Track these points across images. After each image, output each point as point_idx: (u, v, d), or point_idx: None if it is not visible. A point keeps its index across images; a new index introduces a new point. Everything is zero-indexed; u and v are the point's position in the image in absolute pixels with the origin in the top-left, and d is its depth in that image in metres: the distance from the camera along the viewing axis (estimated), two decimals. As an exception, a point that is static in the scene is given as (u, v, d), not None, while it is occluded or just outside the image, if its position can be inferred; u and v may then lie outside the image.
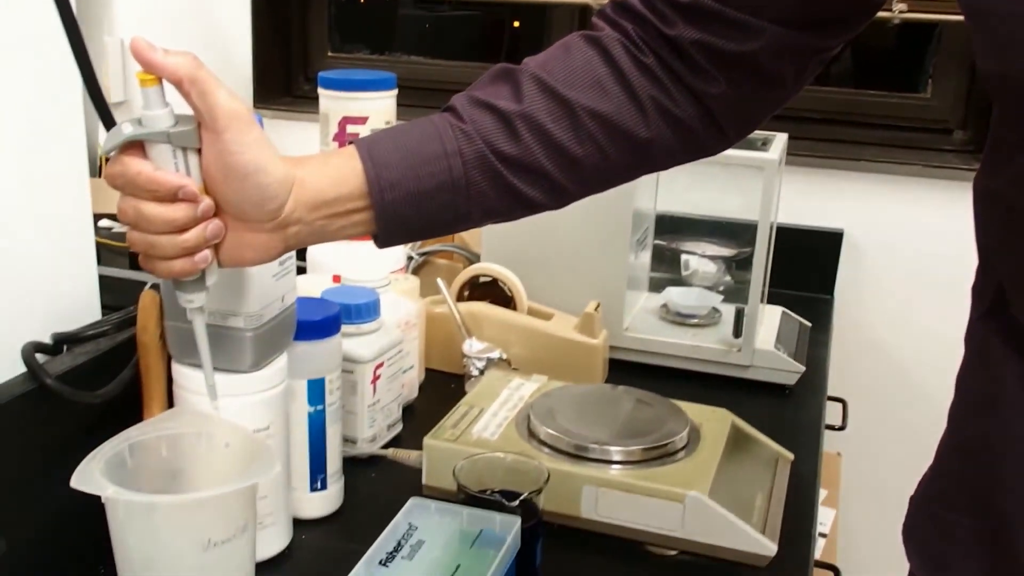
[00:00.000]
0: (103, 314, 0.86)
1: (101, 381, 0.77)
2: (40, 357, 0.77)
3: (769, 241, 1.18)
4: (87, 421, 0.77)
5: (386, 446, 1.00)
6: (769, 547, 0.84)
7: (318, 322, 0.84)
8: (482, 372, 1.11)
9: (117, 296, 0.90)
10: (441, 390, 1.14)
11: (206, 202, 0.63)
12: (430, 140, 0.69)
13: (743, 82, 0.71)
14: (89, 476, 0.66)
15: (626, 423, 0.93)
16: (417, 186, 0.68)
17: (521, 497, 0.77)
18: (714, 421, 0.97)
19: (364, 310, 0.96)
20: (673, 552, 0.87)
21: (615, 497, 0.86)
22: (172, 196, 0.62)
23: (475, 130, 0.69)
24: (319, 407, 0.85)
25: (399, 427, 1.03)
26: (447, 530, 0.74)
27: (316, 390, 0.85)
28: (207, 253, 0.65)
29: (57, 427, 0.75)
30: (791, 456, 1.00)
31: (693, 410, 0.97)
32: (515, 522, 0.74)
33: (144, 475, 0.73)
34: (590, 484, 0.86)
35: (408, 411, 1.06)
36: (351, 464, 0.93)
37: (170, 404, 0.80)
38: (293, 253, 0.81)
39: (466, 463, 0.82)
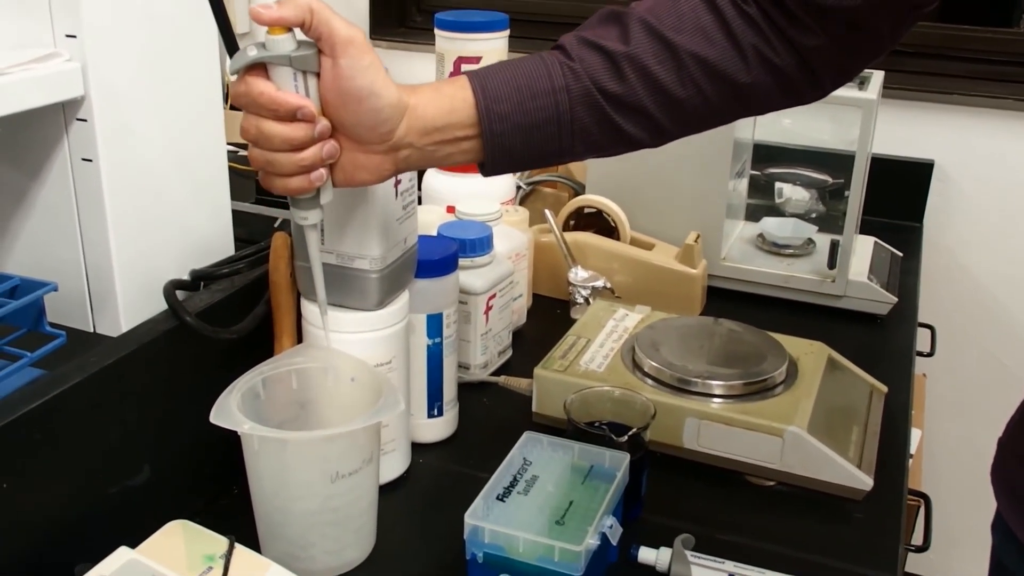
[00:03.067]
0: (235, 248, 0.83)
1: (236, 317, 0.74)
2: (179, 294, 0.74)
3: (864, 176, 1.09)
4: (223, 354, 0.74)
5: (497, 372, 0.96)
6: (866, 481, 0.79)
7: (437, 261, 0.80)
8: (587, 299, 1.06)
9: (248, 230, 0.87)
10: (548, 316, 1.10)
11: (323, 123, 0.61)
12: (539, 76, 0.65)
13: (841, 35, 0.66)
14: (227, 411, 0.64)
15: (727, 357, 0.88)
16: (525, 119, 0.65)
17: (629, 432, 0.73)
18: (811, 354, 0.91)
19: (478, 245, 0.91)
20: (771, 483, 0.82)
21: (716, 429, 0.81)
22: (291, 116, 0.60)
23: (582, 68, 0.66)
24: (437, 340, 0.82)
25: (509, 353, 0.99)
26: (559, 465, 0.71)
27: (434, 324, 0.81)
28: (322, 171, 0.63)
29: (196, 360, 0.72)
30: (885, 388, 0.93)
31: (791, 343, 0.91)
32: (624, 458, 0.70)
33: (276, 406, 0.71)
34: (692, 416, 0.81)
35: (517, 336, 1.02)
36: (464, 389, 0.90)
37: (299, 339, 0.77)
38: (415, 197, 0.76)
39: (576, 397, 0.78)
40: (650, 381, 0.85)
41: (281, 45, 0.59)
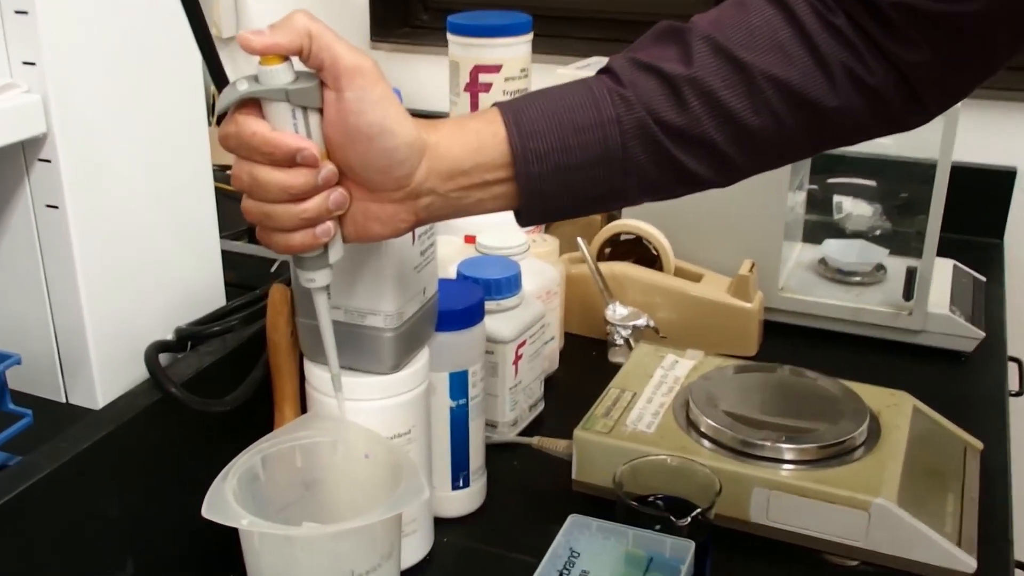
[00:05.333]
0: (227, 296, 0.79)
1: (229, 383, 0.70)
2: (164, 358, 0.69)
3: (945, 190, 1.04)
4: (216, 429, 0.70)
5: (528, 429, 0.91)
6: (968, 563, 0.74)
7: (461, 312, 0.75)
8: (627, 340, 1.01)
9: (241, 273, 0.82)
10: (583, 359, 1.05)
11: (328, 168, 0.56)
12: (584, 106, 0.60)
13: (949, 49, 0.61)
14: (222, 502, 0.60)
15: (797, 412, 0.83)
16: (567, 158, 0.60)
17: (693, 514, 0.68)
18: (893, 406, 0.85)
19: (504, 285, 0.86)
20: (854, 562, 0.76)
21: (789, 501, 0.76)
22: (290, 160, 0.55)
23: (636, 96, 0.61)
24: (462, 401, 0.77)
25: (541, 406, 0.95)
26: (612, 556, 0.66)
27: (459, 383, 0.76)
28: (329, 225, 0.58)
29: (184, 437, 0.68)
30: (980, 445, 0.88)
31: (869, 394, 0.86)
32: (689, 547, 0.65)
33: (277, 487, 0.66)
34: (760, 486, 0.76)
35: (549, 385, 0.97)
36: (491, 451, 0.85)
37: (303, 408, 0.72)
38: (434, 240, 0.71)
39: (626, 468, 0.73)
40: (708, 443, 0.79)
41: (276, 77, 0.54)
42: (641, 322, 1.02)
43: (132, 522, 0.65)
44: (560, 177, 0.60)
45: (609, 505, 0.73)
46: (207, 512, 0.59)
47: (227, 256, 0.80)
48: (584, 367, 1.03)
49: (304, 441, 0.67)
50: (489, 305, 0.84)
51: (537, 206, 0.61)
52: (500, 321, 0.86)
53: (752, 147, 0.62)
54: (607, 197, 0.63)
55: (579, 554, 0.65)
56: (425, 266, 0.70)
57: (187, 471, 0.64)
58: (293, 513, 0.67)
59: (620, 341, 1.02)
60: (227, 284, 0.80)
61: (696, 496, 0.72)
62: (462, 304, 0.75)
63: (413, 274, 0.69)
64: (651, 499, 0.73)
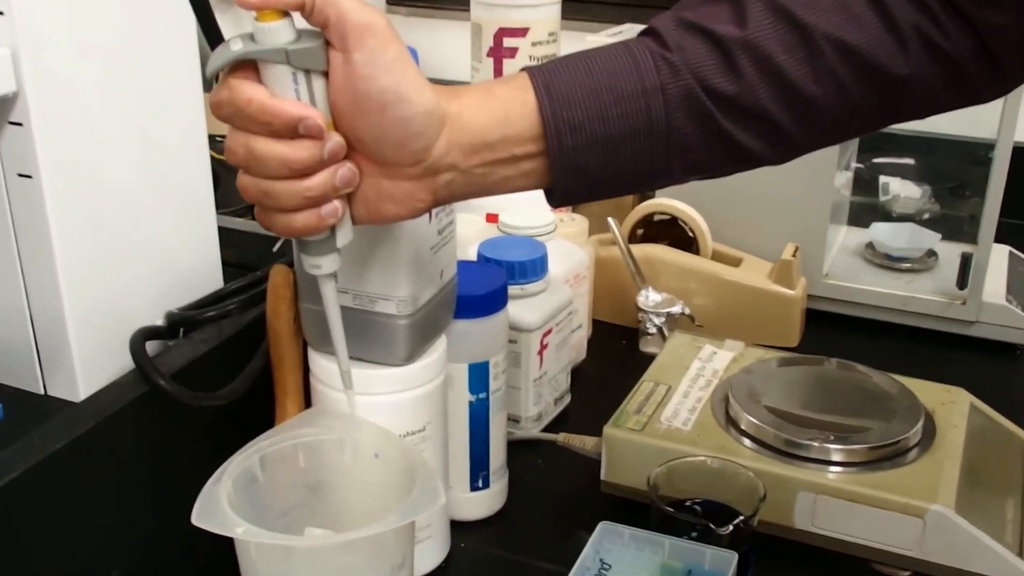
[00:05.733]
0: (225, 278, 0.74)
1: (225, 375, 0.65)
2: (152, 346, 0.65)
3: (1005, 172, 0.98)
4: (210, 425, 0.65)
5: (553, 425, 0.86)
6: (1033, 576, 0.68)
7: (482, 297, 0.70)
8: (660, 329, 0.96)
9: (240, 252, 0.78)
10: (612, 349, 1.00)
11: (334, 140, 0.51)
12: (625, 73, 0.55)
13: None
14: (215, 508, 0.55)
15: (846, 410, 0.77)
16: (605, 130, 0.55)
17: (735, 522, 0.62)
18: (948, 404, 0.80)
19: (530, 268, 0.81)
20: (906, 573, 0.71)
21: (836, 507, 0.70)
22: (291, 130, 0.50)
23: (683, 61, 0.55)
24: (482, 395, 0.72)
25: (567, 399, 0.90)
26: (647, 567, 0.61)
27: (479, 376, 0.71)
28: (336, 205, 0.52)
29: (175, 434, 0.63)
30: (1044, 446, 0.82)
31: (923, 390, 0.80)
32: (731, 560, 0.60)
33: (278, 490, 0.62)
34: (806, 490, 0.71)
35: (576, 376, 0.92)
36: (513, 448, 0.80)
37: (307, 402, 0.67)
38: (453, 218, 0.66)
39: (662, 471, 0.68)
40: (750, 443, 0.74)
41: (274, 35, 0.49)
42: (676, 309, 0.96)
43: (117, 528, 0.60)
44: (597, 152, 0.55)
45: (641, 509, 0.68)
46: (198, 519, 0.54)
47: (225, 234, 0.75)
48: (614, 358, 0.98)
49: (308, 439, 0.62)
50: (512, 290, 0.78)
51: (570, 184, 0.56)
52: (524, 307, 0.81)
53: (812, 120, 0.56)
54: (648, 175, 0.57)
55: (610, 566, 0.60)
56: (443, 247, 0.65)
57: (178, 472, 0.59)
58: (295, 519, 0.63)
59: (653, 330, 0.96)
60: (225, 265, 0.75)
61: (737, 501, 0.67)
62: (483, 289, 0.70)
63: (430, 255, 0.63)
64: (688, 504, 0.68)
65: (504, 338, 0.73)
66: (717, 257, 1.02)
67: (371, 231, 0.60)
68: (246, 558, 0.57)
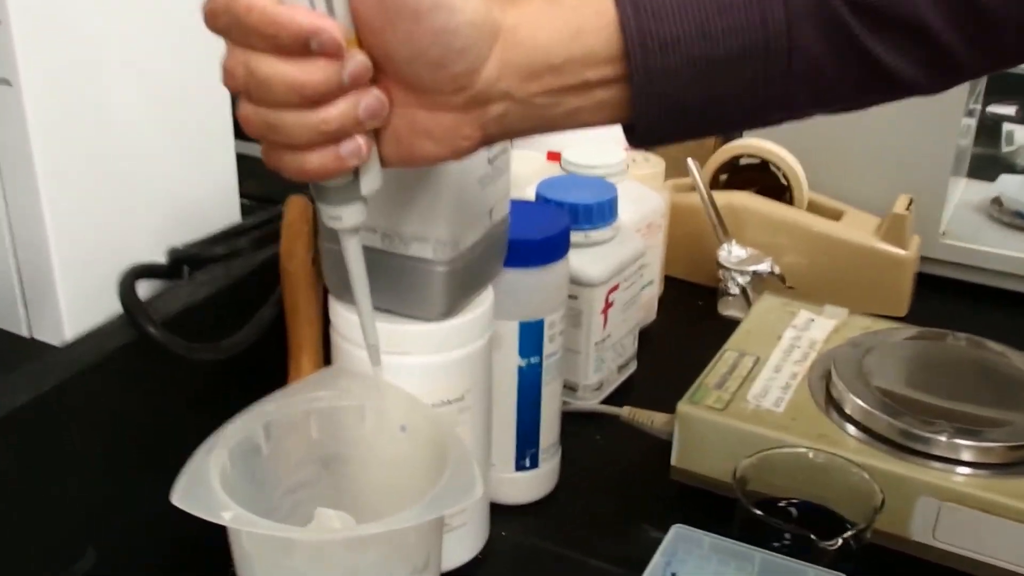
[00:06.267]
0: (244, 211, 0.64)
1: (230, 323, 0.55)
2: (147, 287, 0.55)
3: None
4: (210, 383, 0.55)
5: (614, 396, 0.76)
6: None
7: (540, 243, 0.59)
8: (743, 290, 0.85)
9: (263, 184, 0.67)
10: (686, 310, 0.89)
11: (357, 59, 0.41)
12: None
13: None
14: (200, 485, 0.45)
15: (977, 397, 0.65)
16: (707, 50, 0.43)
17: (846, 535, 0.52)
18: (1098, 392, 0.68)
19: (597, 213, 0.70)
20: (1047, 601, 0.60)
21: (965, 517, 0.59)
22: (302, 46, 0.40)
23: None
24: (535, 359, 0.62)
25: (633, 367, 0.79)
26: (730, 586, 0.50)
27: (531, 337, 0.61)
28: (360, 143, 0.42)
29: (166, 392, 0.54)
30: None
31: (1067, 374, 0.68)
32: (838, 583, 0.49)
33: (286, 464, 0.53)
34: (928, 495, 0.59)
35: (642, 339, 0.81)
36: (567, 422, 0.69)
37: (327, 360, 0.57)
38: (508, 146, 0.55)
39: (753, 463, 0.57)
40: (856, 431, 0.63)
41: None
42: (763, 268, 0.85)
43: (93, 502, 0.51)
44: (695, 77, 0.43)
45: (717, 504, 0.58)
46: (179, 498, 0.44)
47: (247, 163, 0.65)
48: (688, 321, 0.87)
49: (322, 405, 0.52)
50: (575, 237, 0.67)
51: (658, 118, 0.45)
52: (588, 258, 0.70)
53: (983, 33, 0.44)
54: (759, 108, 0.46)
55: (685, 582, 0.50)
56: (494, 180, 0.54)
57: (169, 437, 0.50)
58: (305, 497, 0.53)
59: (735, 290, 0.85)
60: (246, 198, 0.65)
61: (841, 504, 0.56)
62: (541, 233, 0.60)
63: (476, 189, 0.53)
64: (783, 504, 0.57)
65: (563, 293, 0.63)
66: (814, 209, 0.90)
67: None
68: (239, 550, 0.47)
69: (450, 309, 0.53)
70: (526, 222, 0.60)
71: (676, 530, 0.52)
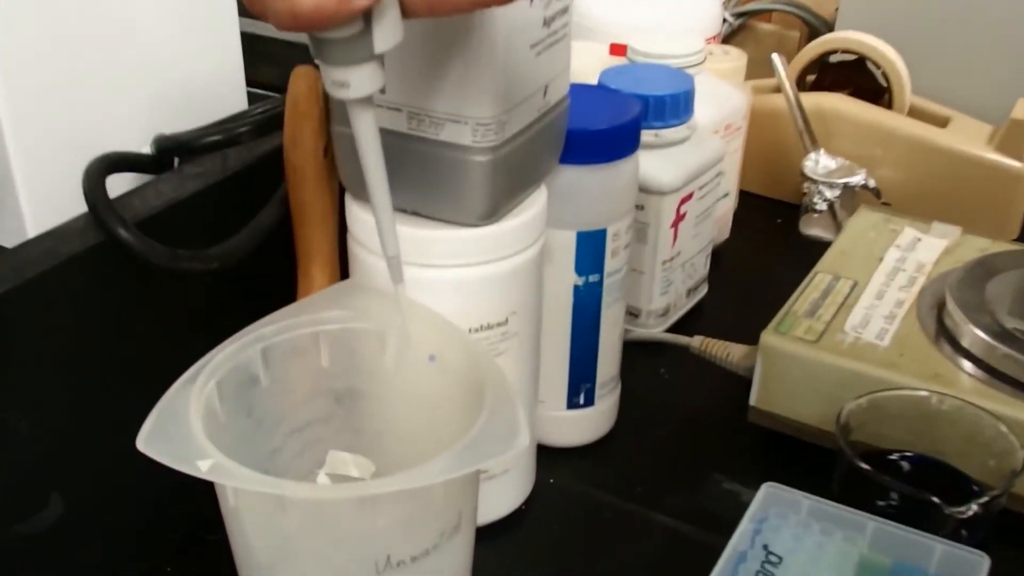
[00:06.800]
0: (251, 99, 0.54)
1: (224, 226, 0.45)
2: (123, 183, 0.45)
3: None
4: (197, 299, 0.45)
5: (682, 322, 0.65)
6: None
7: (606, 133, 0.48)
8: (831, 206, 0.73)
9: (277, 67, 0.57)
10: (763, 227, 0.78)
11: None
12: None
13: None
14: (174, 425, 0.35)
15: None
16: None
17: (982, 499, 0.41)
18: None
19: (670, 106, 0.59)
20: None
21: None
22: None
23: None
24: (594, 277, 0.51)
25: (703, 290, 0.68)
26: (836, 562, 0.39)
27: (591, 249, 0.50)
28: None
29: (142, 310, 0.44)
30: None
31: None
32: (979, 566, 0.38)
33: (291, 397, 0.43)
34: (1064, 447, 0.48)
35: (714, 260, 0.69)
36: (628, 351, 0.58)
37: (343, 272, 0.47)
38: (568, 4, 0.44)
39: (860, 405, 0.46)
40: (974, 369, 0.51)
41: None
42: (856, 180, 0.73)
43: (59, 440, 0.41)
44: None
45: (803, 452, 0.48)
46: (145, 441, 0.34)
47: (256, 44, 0.55)
48: (765, 241, 0.76)
49: (334, 327, 0.42)
50: (644, 135, 0.56)
51: None
52: (658, 161, 0.59)
53: None
54: None
55: (780, 558, 0.39)
56: (550, 47, 0.43)
57: (146, 365, 0.40)
58: (315, 438, 0.44)
59: (822, 206, 0.73)
60: (255, 86, 0.55)
61: (968, 462, 0.45)
62: (607, 121, 0.48)
63: (528, 57, 0.41)
64: (895, 458, 0.46)
65: (631, 198, 0.52)
66: (916, 114, 0.77)
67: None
68: (224, 504, 0.37)
69: (492, 211, 0.42)
70: (589, 109, 0.49)
71: (767, 489, 0.41)
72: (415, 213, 0.43)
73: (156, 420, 0.35)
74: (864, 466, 0.43)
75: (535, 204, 0.45)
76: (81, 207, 0.42)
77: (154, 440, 0.35)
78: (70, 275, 0.40)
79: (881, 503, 0.43)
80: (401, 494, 0.35)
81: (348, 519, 0.36)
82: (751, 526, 0.39)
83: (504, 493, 0.50)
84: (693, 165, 0.60)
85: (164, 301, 0.44)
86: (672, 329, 0.64)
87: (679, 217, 0.60)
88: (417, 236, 0.42)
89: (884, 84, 0.77)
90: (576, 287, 0.51)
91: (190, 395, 0.37)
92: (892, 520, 0.41)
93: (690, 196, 0.61)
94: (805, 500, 0.41)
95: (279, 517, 0.36)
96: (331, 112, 0.44)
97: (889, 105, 0.77)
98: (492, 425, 0.36)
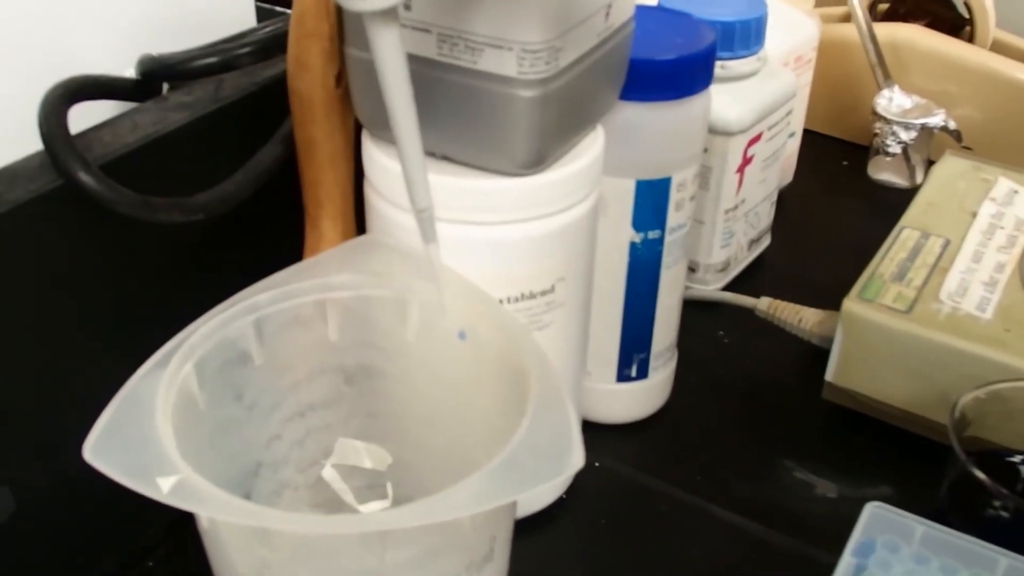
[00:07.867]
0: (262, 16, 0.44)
1: (214, 169, 0.35)
2: (105, 108, 0.35)
3: None
4: (182, 256, 0.36)
5: (741, 279, 0.55)
6: None
7: (675, 64, 0.38)
8: (905, 149, 0.63)
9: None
10: (829, 173, 0.67)
11: None
12: None
13: None
14: (132, 422, 0.27)
15: None
16: None
17: None
18: None
19: (740, 35, 0.49)
20: None
21: None
22: None
23: None
24: (654, 234, 0.41)
25: (766, 241, 0.58)
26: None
27: (652, 202, 0.40)
28: None
29: (107, 272, 0.34)
30: None
31: None
32: None
33: (288, 378, 0.34)
34: None
35: (779, 208, 0.59)
36: (682, 312, 0.49)
37: (359, 227, 0.38)
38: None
39: (978, 399, 0.37)
40: (1094, 349, 0.42)
41: None
42: (934, 121, 0.62)
43: (10, 435, 0.33)
44: None
45: (888, 435, 0.40)
46: (92, 450, 0.26)
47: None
48: (831, 186, 0.66)
49: (344, 294, 0.33)
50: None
51: None
52: (726, 96, 0.49)
53: None
54: None
55: (892, 596, 0.30)
56: (614, -43, 0.33)
57: (118, 341, 0.31)
58: (321, 423, 0.36)
59: (895, 148, 0.63)
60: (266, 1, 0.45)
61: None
62: (676, 51, 0.38)
63: (589, -32, 0.32)
64: (1017, 461, 0.37)
65: (700, 141, 0.42)
66: (999, 48, 0.66)
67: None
68: (199, 522, 0.29)
69: (540, 157, 0.33)
70: (654, 36, 0.39)
71: (872, 511, 0.32)
72: (445, 158, 0.33)
73: (111, 418, 0.27)
74: (981, 475, 0.34)
75: (591, 149, 0.35)
76: (39, 144, 0.33)
77: (105, 446, 0.26)
78: (18, 227, 0.31)
79: (983, 504, 0.34)
80: (429, 530, 0.26)
81: (349, 556, 0.27)
82: (853, 560, 0.30)
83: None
84: (764, 102, 0.50)
85: (138, 262, 0.35)
86: (731, 285, 0.55)
87: (746, 160, 0.51)
88: (446, 186, 0.33)
89: (965, 15, 0.66)
90: (633, 245, 0.41)
91: (158, 384, 0.28)
92: (1007, 534, 0.32)
93: (759, 137, 0.51)
94: (919, 526, 0.32)
95: (262, 550, 0.28)
96: (344, 31, 0.34)
97: (970, 39, 0.66)
98: (537, 435, 0.27)
